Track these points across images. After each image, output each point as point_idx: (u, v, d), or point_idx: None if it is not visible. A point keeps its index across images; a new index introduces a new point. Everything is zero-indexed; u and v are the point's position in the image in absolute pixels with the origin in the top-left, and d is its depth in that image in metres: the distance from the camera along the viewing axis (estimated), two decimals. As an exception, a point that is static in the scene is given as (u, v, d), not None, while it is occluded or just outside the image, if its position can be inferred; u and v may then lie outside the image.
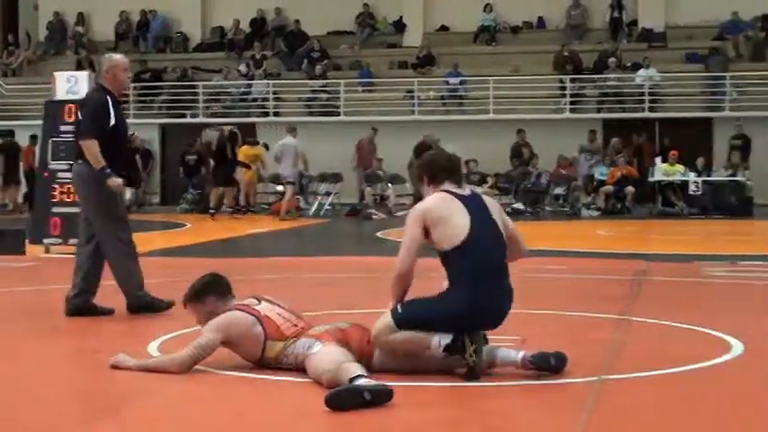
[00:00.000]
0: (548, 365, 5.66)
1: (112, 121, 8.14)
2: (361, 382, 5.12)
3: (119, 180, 8.04)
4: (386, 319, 5.76)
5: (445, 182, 5.97)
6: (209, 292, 6.10)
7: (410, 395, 5.26)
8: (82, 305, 8.15)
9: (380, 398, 5.03)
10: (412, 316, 5.72)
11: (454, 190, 5.94)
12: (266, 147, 23.90)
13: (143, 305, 8.21)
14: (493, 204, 6.07)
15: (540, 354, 5.68)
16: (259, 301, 6.08)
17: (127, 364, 5.95)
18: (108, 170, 7.98)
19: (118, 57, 8.61)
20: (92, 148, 8.01)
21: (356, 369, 5.29)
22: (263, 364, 5.90)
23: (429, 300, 5.85)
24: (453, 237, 5.76)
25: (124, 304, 8.30)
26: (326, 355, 5.54)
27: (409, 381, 5.50)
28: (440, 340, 5.64)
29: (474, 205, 5.90)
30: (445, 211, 5.82)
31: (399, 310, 5.76)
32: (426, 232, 5.83)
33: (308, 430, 4.88)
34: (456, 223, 5.78)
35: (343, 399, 5.00)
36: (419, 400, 5.30)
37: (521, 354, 5.72)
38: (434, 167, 6.06)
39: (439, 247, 5.84)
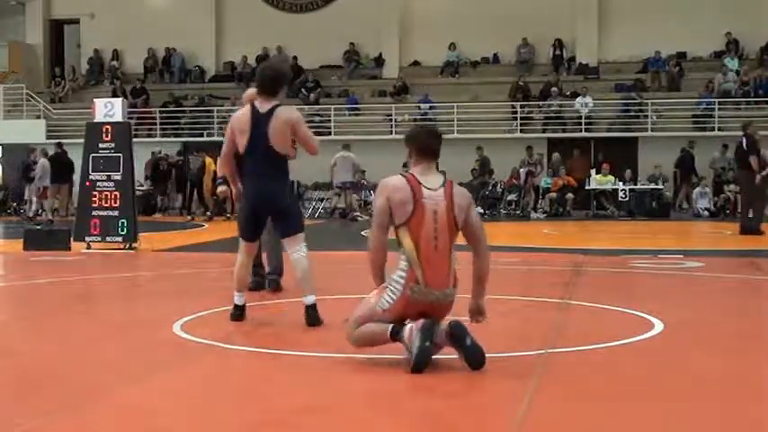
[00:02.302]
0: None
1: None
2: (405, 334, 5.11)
3: (223, 188, 7.83)
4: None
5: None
6: None
7: (374, 365, 5.23)
8: (278, 281, 8.71)
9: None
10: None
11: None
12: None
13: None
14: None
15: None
16: None
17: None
18: (220, 180, 7.81)
19: (250, 89, 8.29)
20: (219, 160, 7.92)
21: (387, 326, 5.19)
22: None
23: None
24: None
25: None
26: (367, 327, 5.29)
27: (376, 353, 5.31)
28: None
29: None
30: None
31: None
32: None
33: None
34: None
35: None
36: (383, 370, 5.12)
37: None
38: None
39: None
